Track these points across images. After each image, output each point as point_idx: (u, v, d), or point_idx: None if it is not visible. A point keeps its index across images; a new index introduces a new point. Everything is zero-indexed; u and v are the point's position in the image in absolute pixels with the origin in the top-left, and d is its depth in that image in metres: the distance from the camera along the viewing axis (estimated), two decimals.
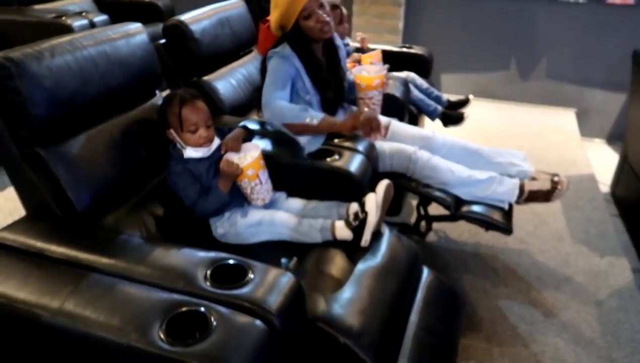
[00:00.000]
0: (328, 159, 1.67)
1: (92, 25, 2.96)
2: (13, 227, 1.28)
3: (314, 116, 1.76)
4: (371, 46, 3.03)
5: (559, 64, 3.83)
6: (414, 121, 2.67)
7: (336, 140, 1.80)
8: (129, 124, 1.56)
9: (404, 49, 3.09)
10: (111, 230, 1.37)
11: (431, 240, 2.31)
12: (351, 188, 1.65)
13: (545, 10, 3.68)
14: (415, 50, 3.09)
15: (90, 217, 1.36)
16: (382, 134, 1.79)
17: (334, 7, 2.69)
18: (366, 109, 1.99)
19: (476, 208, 1.91)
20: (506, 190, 1.91)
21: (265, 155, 1.63)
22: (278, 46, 1.92)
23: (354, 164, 1.67)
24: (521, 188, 1.91)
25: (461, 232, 2.37)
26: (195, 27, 1.99)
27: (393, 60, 2.98)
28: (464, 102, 2.83)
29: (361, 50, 2.84)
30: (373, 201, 1.46)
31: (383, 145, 2.00)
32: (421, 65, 3.05)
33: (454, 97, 3.04)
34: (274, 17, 1.89)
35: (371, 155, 1.80)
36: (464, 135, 2.98)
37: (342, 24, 2.70)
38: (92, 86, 1.40)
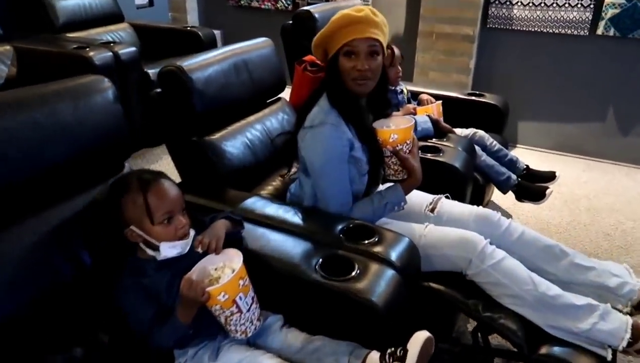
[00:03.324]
0: (349, 275, 1.16)
1: (117, 57, 2.67)
2: None
3: (398, 200, 1.50)
4: (433, 92, 2.51)
5: None
6: (480, 192, 2.10)
7: (367, 242, 1.29)
8: (73, 215, 1.14)
9: (473, 97, 2.53)
10: None
11: None
12: (373, 323, 1.14)
13: None
14: (487, 98, 2.52)
15: None
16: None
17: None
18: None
19: (560, 350, 1.32)
20: (612, 328, 1.31)
21: (259, 261, 1.16)
22: (316, 99, 1.47)
23: (380, 286, 1.15)
24: (635, 330, 1.30)
25: None
26: (196, 76, 1.57)
27: (459, 112, 2.44)
28: (549, 177, 2.21)
29: (419, 103, 2.33)
30: None
31: (433, 232, 1.48)
32: (493, 118, 2.48)
33: (531, 156, 2.42)
34: (318, 34, 1.47)
35: (408, 267, 1.27)
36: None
37: (392, 67, 2.20)
38: (10, 168, 1.00)
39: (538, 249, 1.52)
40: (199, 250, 1.11)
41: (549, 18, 3.09)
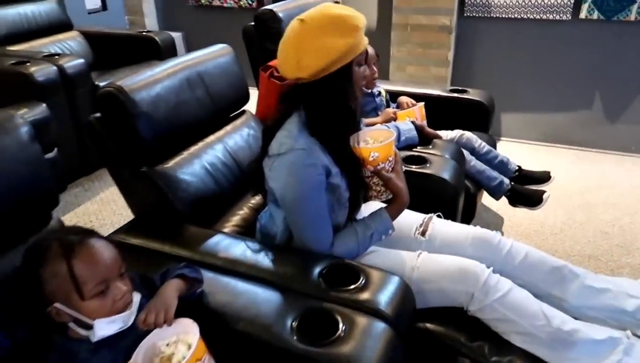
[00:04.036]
0: (333, 337, 0.96)
1: (63, 72, 2.40)
2: None
3: (384, 229, 1.30)
4: (413, 91, 2.31)
5: None
6: (471, 202, 1.91)
7: (351, 287, 1.09)
8: None
9: (456, 94, 2.34)
10: None
11: None
12: None
13: None
14: (471, 95, 2.33)
15: None
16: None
17: None
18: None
19: None
20: None
21: (222, 322, 0.95)
22: (284, 119, 1.24)
23: (370, 349, 0.96)
24: None
25: None
26: (140, 97, 1.34)
27: (441, 111, 2.25)
28: (543, 178, 2.04)
29: (398, 106, 2.12)
30: None
31: (427, 262, 1.29)
32: (478, 116, 2.30)
33: (517, 150, 2.25)
34: (311, 62, 1.14)
35: (401, 315, 1.07)
36: None
37: (368, 68, 1.99)
38: None
39: (545, 272, 1.34)
40: (141, 325, 0.90)
41: (529, 3, 2.92)
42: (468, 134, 2.07)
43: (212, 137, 1.59)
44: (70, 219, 2.35)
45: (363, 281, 1.11)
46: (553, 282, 1.33)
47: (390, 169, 1.32)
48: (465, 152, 1.95)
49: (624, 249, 2.21)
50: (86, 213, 2.40)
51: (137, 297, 0.96)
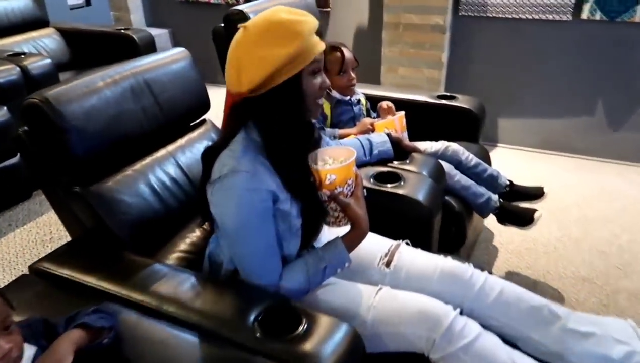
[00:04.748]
0: None
1: (26, 73, 2.27)
2: None
3: (339, 261, 1.16)
4: (398, 97, 2.15)
5: None
6: (459, 223, 1.74)
7: (291, 336, 0.95)
8: None
9: (443, 101, 2.17)
10: None
11: None
12: None
13: None
14: (459, 102, 2.16)
15: None
16: None
17: (332, 48, 1.85)
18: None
19: None
20: None
21: None
22: (230, 138, 1.09)
23: None
24: None
25: None
26: (71, 109, 1.19)
27: (427, 119, 2.10)
28: (536, 195, 1.87)
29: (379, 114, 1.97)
30: None
31: (386, 301, 1.15)
32: (467, 125, 2.13)
33: (514, 156, 2.09)
34: (249, 75, 1.01)
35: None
36: None
37: (343, 74, 1.85)
38: None
39: (522, 313, 1.19)
40: None
41: (527, 3, 2.74)
42: (454, 146, 1.90)
43: (162, 151, 1.45)
44: (30, 229, 2.23)
45: (305, 327, 0.97)
46: (531, 324, 1.18)
47: (349, 193, 1.17)
48: (450, 166, 1.79)
49: (621, 271, 2.04)
50: (47, 223, 2.27)
51: (29, 352, 0.82)
